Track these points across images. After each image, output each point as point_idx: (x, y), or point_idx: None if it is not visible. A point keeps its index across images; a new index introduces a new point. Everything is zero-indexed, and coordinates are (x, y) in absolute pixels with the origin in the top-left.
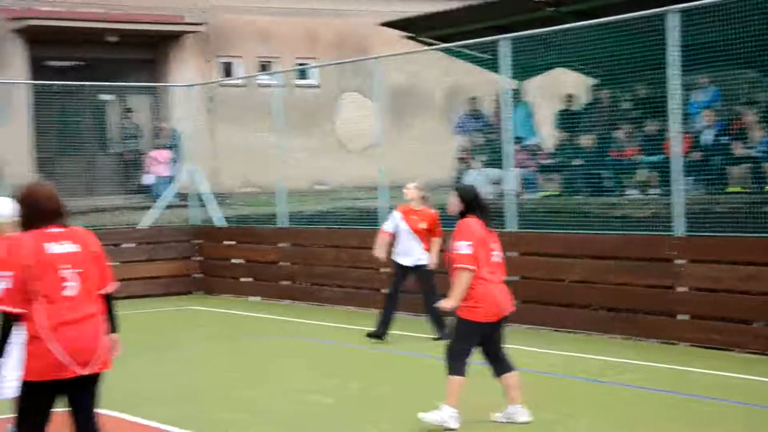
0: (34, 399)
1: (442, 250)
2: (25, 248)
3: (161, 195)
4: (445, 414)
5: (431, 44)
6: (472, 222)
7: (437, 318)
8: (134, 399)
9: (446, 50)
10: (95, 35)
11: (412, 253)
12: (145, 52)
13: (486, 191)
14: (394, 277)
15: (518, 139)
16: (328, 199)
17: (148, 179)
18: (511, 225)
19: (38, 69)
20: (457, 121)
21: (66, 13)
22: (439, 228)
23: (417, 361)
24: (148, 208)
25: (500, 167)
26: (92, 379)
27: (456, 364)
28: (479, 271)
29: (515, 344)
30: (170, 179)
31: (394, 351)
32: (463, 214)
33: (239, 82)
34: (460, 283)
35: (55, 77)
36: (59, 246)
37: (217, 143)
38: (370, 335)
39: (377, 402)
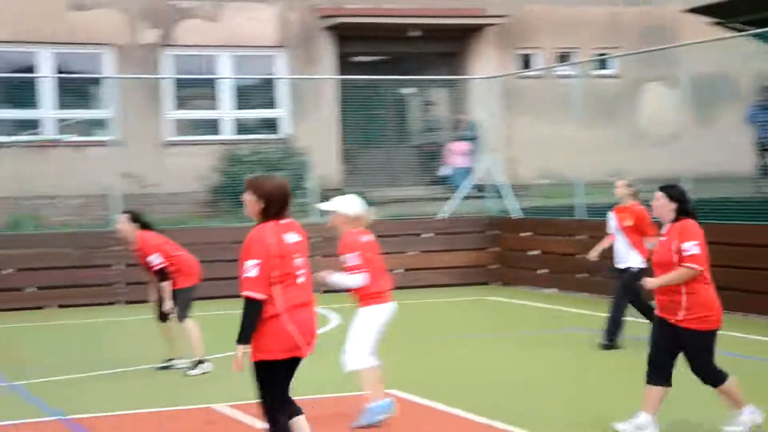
0: (275, 377)
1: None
2: (270, 238)
3: (459, 186)
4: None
5: (741, 30)
6: (695, 223)
7: (615, 322)
8: (429, 383)
9: (759, 36)
10: (399, 31)
11: (622, 253)
12: (446, 45)
13: None
14: (617, 281)
15: None
16: None
17: (446, 170)
18: None
19: (345, 64)
20: (749, 111)
21: (373, 10)
22: (646, 226)
23: (738, 362)
24: (447, 198)
25: None
26: (299, 361)
27: (718, 374)
28: (704, 272)
29: None
30: (468, 170)
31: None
32: (680, 215)
33: (537, 73)
34: (678, 276)
35: (361, 72)
36: (291, 236)
37: (513, 134)
38: (604, 346)
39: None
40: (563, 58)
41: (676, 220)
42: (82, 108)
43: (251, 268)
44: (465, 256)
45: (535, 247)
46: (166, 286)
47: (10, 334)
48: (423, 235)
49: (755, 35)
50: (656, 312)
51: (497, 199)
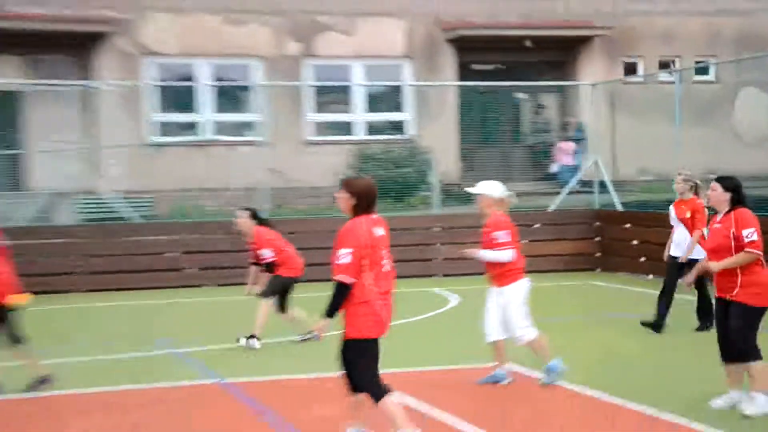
0: (368, 353)
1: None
2: (362, 230)
3: (566, 182)
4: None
5: None
6: (748, 211)
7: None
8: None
9: None
10: (514, 42)
11: (680, 242)
12: (557, 54)
13: None
14: (667, 268)
15: None
16: None
17: (555, 168)
18: None
19: (465, 72)
20: None
21: (490, 23)
22: (700, 218)
23: None
24: (555, 193)
25: None
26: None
27: (756, 351)
28: (761, 258)
29: None
30: (575, 168)
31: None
32: (734, 205)
33: (639, 79)
34: (740, 260)
35: (479, 79)
36: (379, 230)
37: (617, 135)
38: (644, 324)
39: None
40: (664, 65)
41: (732, 209)
42: (234, 112)
43: (344, 256)
44: (571, 246)
45: (635, 237)
46: (267, 275)
47: (174, 308)
48: (534, 226)
49: None
50: (716, 294)
51: (601, 194)
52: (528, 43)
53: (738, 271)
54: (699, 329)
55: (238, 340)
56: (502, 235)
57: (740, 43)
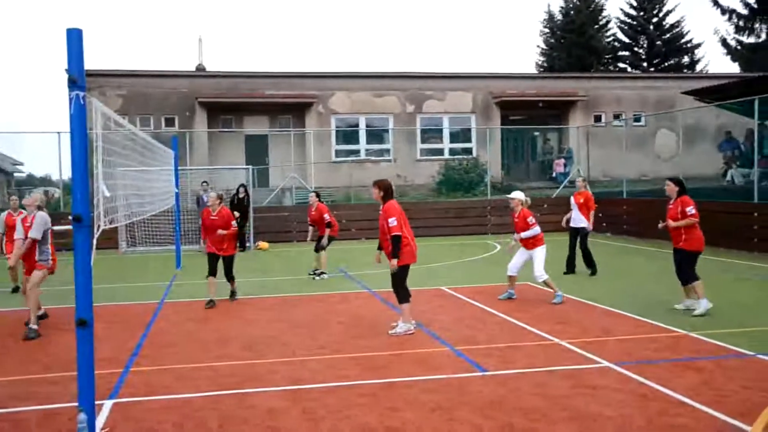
0: (406, 274)
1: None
2: (396, 207)
3: (561, 182)
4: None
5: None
6: (688, 197)
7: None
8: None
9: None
10: (533, 103)
11: (577, 219)
12: (557, 110)
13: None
14: (570, 234)
15: (760, 154)
16: None
17: (554, 173)
18: (755, 198)
19: (505, 120)
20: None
21: (520, 93)
22: (590, 204)
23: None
24: (555, 188)
25: (750, 167)
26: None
27: (692, 277)
28: (697, 222)
29: None
30: (566, 174)
31: None
32: (681, 193)
33: (603, 125)
34: (684, 223)
35: (513, 124)
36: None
37: (590, 155)
38: (566, 272)
39: None
40: (617, 116)
41: (678, 196)
42: (378, 143)
43: (394, 221)
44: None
45: (600, 211)
46: (328, 232)
47: (351, 249)
48: (544, 206)
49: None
50: (673, 245)
51: None
52: (541, 104)
53: (683, 230)
54: (592, 274)
55: (313, 274)
56: (531, 219)
57: (657, 105)
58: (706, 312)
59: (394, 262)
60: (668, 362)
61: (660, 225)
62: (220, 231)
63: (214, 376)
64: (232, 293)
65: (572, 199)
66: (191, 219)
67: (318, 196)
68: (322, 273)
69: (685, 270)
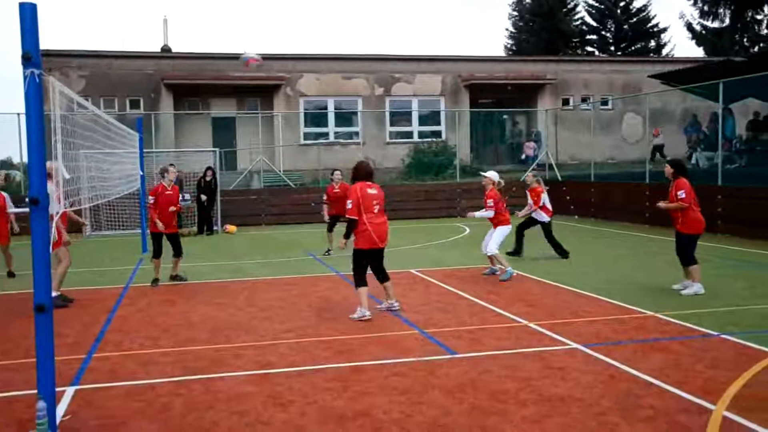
0: (364, 258)
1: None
2: (355, 190)
3: (530, 165)
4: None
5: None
6: (685, 180)
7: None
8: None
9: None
10: (502, 86)
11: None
12: (525, 94)
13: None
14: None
15: (724, 137)
16: None
17: (524, 156)
18: (719, 181)
19: (474, 103)
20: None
21: (488, 76)
22: (537, 199)
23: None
24: (524, 171)
25: (714, 150)
26: (382, 249)
27: (692, 259)
28: (692, 204)
29: None
30: (535, 157)
31: None
32: (676, 176)
33: (571, 108)
34: (673, 207)
35: (482, 107)
36: (371, 190)
37: (558, 138)
38: (509, 253)
39: None
40: (584, 99)
41: (675, 178)
42: (346, 126)
43: (350, 204)
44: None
45: (567, 194)
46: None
47: (311, 232)
48: (513, 189)
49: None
50: (674, 226)
51: (549, 171)
52: (509, 88)
53: (680, 213)
54: (565, 258)
55: (327, 252)
56: (489, 202)
57: (624, 88)
58: (695, 295)
59: (343, 241)
60: (635, 343)
61: (658, 204)
62: (172, 208)
63: (179, 361)
64: (177, 276)
65: (528, 194)
66: None
67: (341, 175)
68: (328, 251)
69: (683, 252)
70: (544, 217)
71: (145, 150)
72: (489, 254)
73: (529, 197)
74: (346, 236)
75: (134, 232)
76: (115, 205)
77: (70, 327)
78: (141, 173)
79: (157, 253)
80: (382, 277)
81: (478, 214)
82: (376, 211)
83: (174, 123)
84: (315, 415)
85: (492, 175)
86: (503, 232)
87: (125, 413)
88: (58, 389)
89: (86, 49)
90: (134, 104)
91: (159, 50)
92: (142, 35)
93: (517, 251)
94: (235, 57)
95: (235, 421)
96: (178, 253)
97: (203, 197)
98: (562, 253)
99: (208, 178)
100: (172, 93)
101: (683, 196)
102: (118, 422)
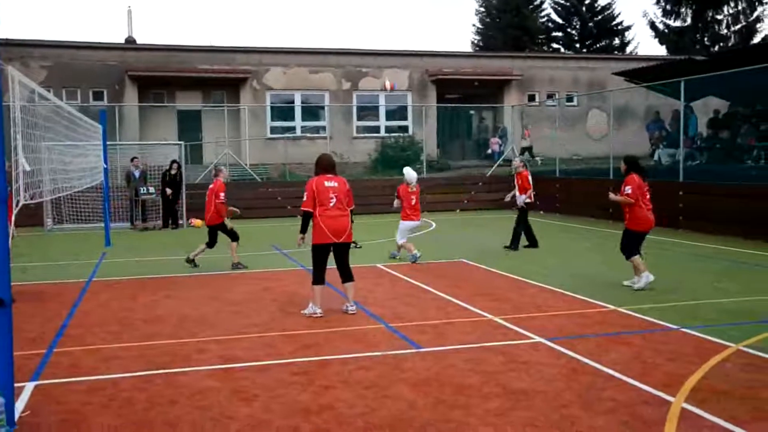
0: (320, 254)
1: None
2: (311, 183)
3: (496, 160)
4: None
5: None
6: (635, 177)
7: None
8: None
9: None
10: (469, 82)
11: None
12: (492, 89)
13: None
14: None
15: (686, 135)
16: None
17: (489, 152)
18: (680, 177)
19: (441, 98)
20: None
21: (455, 72)
22: (525, 184)
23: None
24: (490, 166)
25: (676, 147)
26: (344, 245)
27: (633, 252)
28: (638, 201)
29: None
30: (501, 152)
31: None
32: (628, 172)
33: (537, 104)
34: (619, 200)
35: (448, 102)
36: (330, 183)
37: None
38: (506, 247)
39: None
40: (550, 96)
41: (626, 174)
42: (313, 120)
43: (304, 196)
44: (498, 195)
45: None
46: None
47: (280, 227)
48: (479, 184)
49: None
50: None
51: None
52: (476, 83)
53: (627, 209)
54: (509, 248)
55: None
56: (396, 202)
57: (589, 85)
58: (647, 286)
59: (300, 236)
60: (598, 337)
61: (609, 193)
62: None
63: (142, 356)
64: (239, 264)
65: (515, 178)
66: (121, 195)
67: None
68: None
69: (624, 246)
70: (520, 201)
71: (108, 142)
72: (398, 244)
73: (515, 182)
74: (302, 230)
75: (97, 225)
76: (78, 199)
77: (30, 322)
78: (105, 166)
79: (234, 237)
80: (345, 276)
81: (396, 203)
82: (331, 204)
83: (138, 115)
84: (279, 410)
85: (407, 173)
86: (402, 225)
87: (87, 408)
88: (17, 384)
89: (48, 39)
90: (98, 96)
91: (123, 41)
92: (106, 26)
93: (532, 244)
94: (201, 49)
95: (199, 415)
96: (234, 238)
97: (168, 191)
98: (514, 243)
99: (173, 172)
100: (137, 85)
101: (629, 191)
102: (79, 418)
